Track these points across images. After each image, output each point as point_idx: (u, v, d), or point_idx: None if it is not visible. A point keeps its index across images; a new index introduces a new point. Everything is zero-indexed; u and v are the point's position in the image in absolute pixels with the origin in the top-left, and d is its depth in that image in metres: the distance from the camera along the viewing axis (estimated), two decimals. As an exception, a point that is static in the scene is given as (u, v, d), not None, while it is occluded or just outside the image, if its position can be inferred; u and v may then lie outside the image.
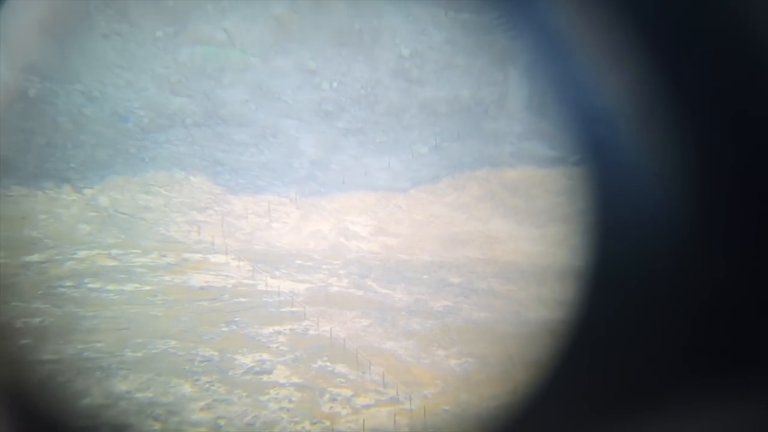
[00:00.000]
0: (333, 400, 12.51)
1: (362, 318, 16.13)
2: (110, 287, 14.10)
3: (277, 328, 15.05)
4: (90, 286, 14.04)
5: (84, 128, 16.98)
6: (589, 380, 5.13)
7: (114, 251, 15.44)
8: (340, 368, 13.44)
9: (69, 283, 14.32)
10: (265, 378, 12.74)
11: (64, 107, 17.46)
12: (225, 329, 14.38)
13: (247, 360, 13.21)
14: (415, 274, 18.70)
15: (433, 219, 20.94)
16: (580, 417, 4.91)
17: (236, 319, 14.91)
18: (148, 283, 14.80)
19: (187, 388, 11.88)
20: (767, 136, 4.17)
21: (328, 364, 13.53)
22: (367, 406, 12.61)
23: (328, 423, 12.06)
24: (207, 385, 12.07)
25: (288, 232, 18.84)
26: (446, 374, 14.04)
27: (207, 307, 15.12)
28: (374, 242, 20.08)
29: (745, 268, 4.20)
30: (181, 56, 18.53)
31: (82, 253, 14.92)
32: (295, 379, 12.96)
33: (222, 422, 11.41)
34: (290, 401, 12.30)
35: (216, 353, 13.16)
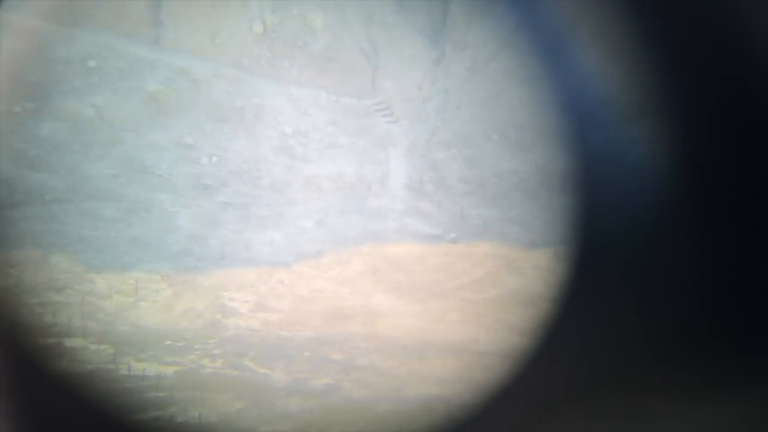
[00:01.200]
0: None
1: (236, 401, 15.37)
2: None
3: (139, 416, 13.97)
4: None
5: None
6: (584, 379, 4.95)
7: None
8: (205, 458, 12.65)
9: None
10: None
11: None
12: (78, 420, 13.12)
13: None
14: (295, 351, 18.25)
15: (316, 294, 20.79)
16: (576, 417, 4.67)
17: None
18: (-9, 372, 13.33)
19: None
20: (764, 135, 4.24)
21: (192, 454, 12.69)
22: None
23: None
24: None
25: (158, 310, 17.89)
26: (321, 459, 13.62)
27: (58, 396, 13.79)
28: (254, 319, 19.51)
29: (741, 266, 4.21)
30: (42, 131, 17.78)
31: None
32: (151, 474, 11.98)
33: None
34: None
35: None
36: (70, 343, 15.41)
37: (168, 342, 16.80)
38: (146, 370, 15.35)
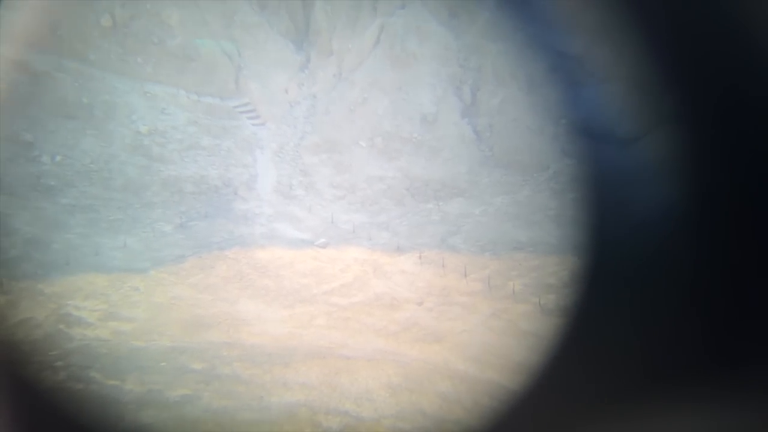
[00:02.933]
0: None
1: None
2: None
3: (-45, 438, 12.42)
4: None
5: None
6: (588, 381, 4.71)
7: None
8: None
9: None
10: None
11: None
12: None
13: None
14: (150, 362, 17.14)
15: (176, 301, 19.82)
16: (578, 418, 4.59)
17: None
18: None
19: None
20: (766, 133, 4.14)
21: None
22: None
23: None
24: None
25: (-13, 321, 16.17)
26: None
27: None
28: (103, 328, 18.16)
29: (744, 267, 4.09)
30: None
31: None
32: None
33: None
34: None
35: None
36: None
37: (-4, 355, 15.19)
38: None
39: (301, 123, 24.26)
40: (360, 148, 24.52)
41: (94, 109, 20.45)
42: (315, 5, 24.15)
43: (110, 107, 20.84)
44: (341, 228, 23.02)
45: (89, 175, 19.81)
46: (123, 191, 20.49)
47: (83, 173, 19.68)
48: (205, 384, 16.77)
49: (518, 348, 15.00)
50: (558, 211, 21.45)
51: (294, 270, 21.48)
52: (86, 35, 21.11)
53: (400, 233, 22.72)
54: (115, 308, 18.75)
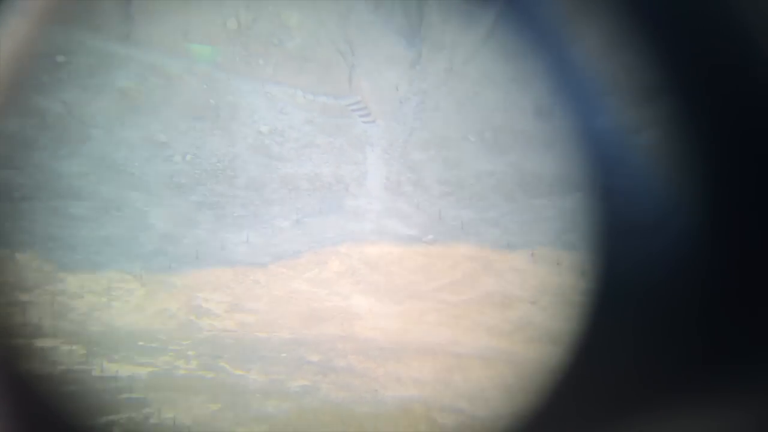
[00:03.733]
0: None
1: (211, 403, 15.04)
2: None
3: (112, 417, 13.58)
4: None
5: None
6: (590, 382, 4.88)
7: None
8: (181, 461, 12.33)
9: None
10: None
11: None
12: (48, 423, 12.67)
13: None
14: (272, 352, 17.99)
15: (294, 295, 20.56)
16: (581, 419, 4.70)
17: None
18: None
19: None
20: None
21: (168, 456, 12.35)
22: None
23: None
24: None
25: (130, 311, 17.45)
26: (298, 461, 13.40)
27: (27, 398, 13.31)
28: (229, 320, 19.18)
29: (750, 271, 4.11)
30: (9, 128, 17.22)
31: None
32: (126, 477, 11.64)
33: None
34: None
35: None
36: (40, 343, 14.93)
37: (141, 343, 16.37)
38: (119, 371, 14.93)
39: (411, 119, 24.32)
40: (469, 143, 24.25)
41: (220, 110, 21.53)
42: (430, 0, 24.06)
43: (234, 108, 21.84)
44: (449, 224, 22.93)
45: (216, 174, 20.88)
46: (245, 189, 21.44)
47: (210, 171, 20.77)
48: (322, 375, 17.38)
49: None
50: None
51: (403, 266, 21.68)
52: (214, 39, 22.18)
53: (510, 230, 22.28)
54: (239, 300, 19.76)
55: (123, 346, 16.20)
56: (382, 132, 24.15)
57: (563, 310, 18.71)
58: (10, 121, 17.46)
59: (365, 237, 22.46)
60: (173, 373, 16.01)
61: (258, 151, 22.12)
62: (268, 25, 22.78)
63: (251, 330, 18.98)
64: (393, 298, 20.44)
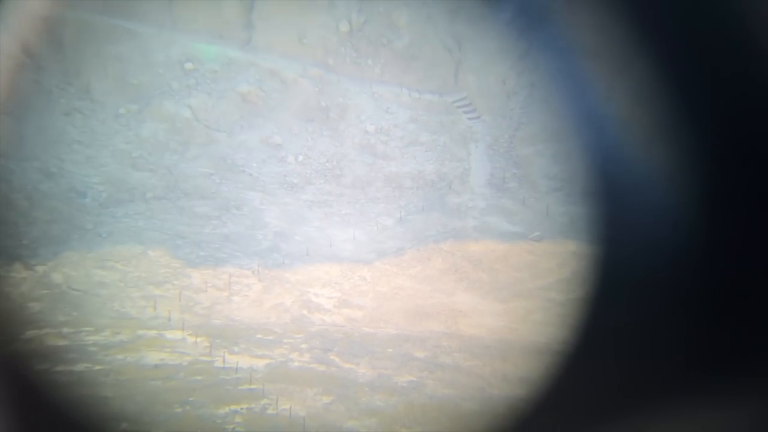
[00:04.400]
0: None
1: (323, 395, 15.63)
2: (58, 369, 13.40)
3: (233, 407, 14.45)
4: (35, 369, 13.32)
5: (38, 205, 16.60)
6: (592, 381, 5.11)
7: (65, 330, 14.77)
8: (299, 451, 12.92)
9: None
10: (218, 462, 12.12)
11: (19, 184, 17.10)
12: (179, 410, 13.71)
13: (201, 443, 12.60)
14: (379, 347, 18.38)
15: (398, 291, 20.86)
16: (582, 418, 4.80)
17: (191, 399, 14.24)
18: (100, 362, 14.10)
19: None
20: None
21: (287, 446, 12.99)
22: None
23: None
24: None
25: (249, 305, 18.46)
26: (409, 456, 13.63)
27: (161, 386, 14.42)
28: (338, 315, 19.80)
29: (748, 270, 4.28)
30: (144, 132, 18.62)
31: (29, 334, 14.26)
32: (250, 463, 12.37)
33: None
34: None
35: (168, 436, 12.53)
36: (169, 335, 16.13)
37: (259, 336, 17.28)
38: (239, 362, 15.83)
39: (517, 114, 23.74)
40: (581, 136, 23.34)
41: (330, 111, 22.12)
42: (541, -7, 23.21)
43: (343, 109, 22.35)
44: (558, 221, 22.22)
45: (325, 173, 21.51)
46: (352, 187, 21.92)
47: (320, 171, 21.43)
48: (428, 372, 17.51)
49: None
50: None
51: (508, 263, 21.32)
52: (327, 42, 22.76)
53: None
54: (347, 296, 20.34)
55: (242, 339, 17.22)
56: (488, 128, 23.78)
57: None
58: (145, 125, 19.01)
59: (468, 234, 22.29)
60: (288, 365, 16.79)
61: (364, 150, 22.53)
62: (378, 26, 22.99)
63: (359, 325, 19.51)
64: (498, 296, 20.19)
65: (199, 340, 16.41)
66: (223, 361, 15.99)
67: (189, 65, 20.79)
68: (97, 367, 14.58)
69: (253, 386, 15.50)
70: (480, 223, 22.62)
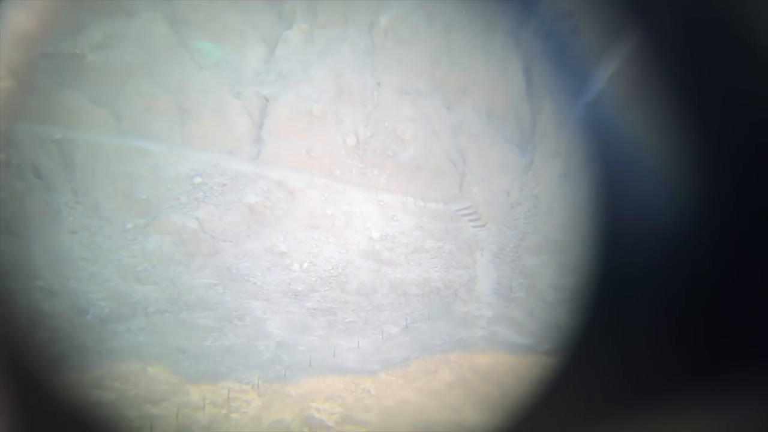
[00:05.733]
0: None
1: None
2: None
3: None
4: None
5: (39, 325, 16.36)
6: (592, 380, 4.80)
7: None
8: None
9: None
10: None
11: (21, 304, 16.93)
12: None
13: None
14: (383, 471, 17.43)
15: (404, 405, 20.04)
16: (582, 417, 4.70)
17: None
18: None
19: None
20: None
21: None
22: None
23: None
24: None
25: (247, 423, 17.67)
26: None
27: None
28: (340, 433, 18.90)
29: (747, 268, 4.18)
30: (150, 245, 18.72)
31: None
32: None
33: None
34: None
35: None
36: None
37: (257, 458, 16.43)
38: (235, 487, 14.95)
39: (522, 224, 23.90)
40: (587, 248, 23.29)
41: (335, 218, 22.33)
42: (544, 110, 24.19)
43: (349, 216, 22.58)
44: (569, 334, 21.72)
45: (329, 280, 21.33)
46: (357, 294, 21.66)
47: (325, 278, 21.26)
48: (435, 496, 16.40)
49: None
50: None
51: (518, 377, 20.60)
52: (334, 154, 23.42)
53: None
54: (350, 411, 19.47)
55: (240, 461, 16.33)
56: (493, 236, 23.86)
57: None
58: (151, 239, 19.11)
59: (476, 344, 21.73)
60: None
61: (369, 256, 22.49)
62: (384, 139, 23.75)
63: (362, 444, 18.56)
64: (508, 414, 19.36)
65: (193, 462, 15.60)
66: (218, 486, 15.14)
67: (198, 179, 21.24)
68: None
69: None
70: (488, 333, 22.13)
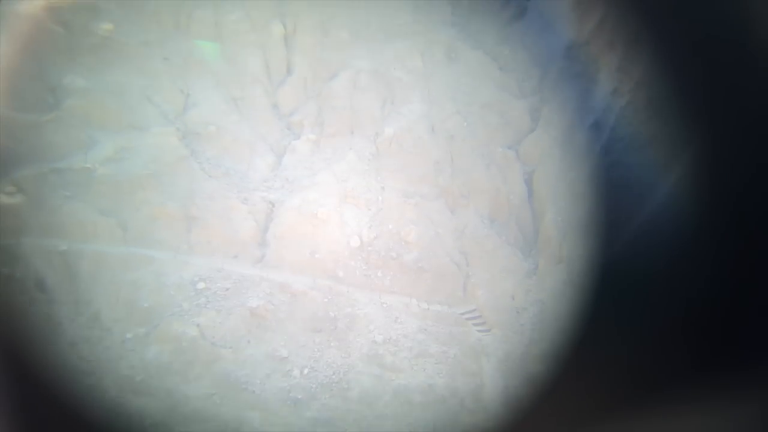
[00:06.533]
0: None
1: None
2: None
3: None
4: None
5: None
6: (592, 379, 5.32)
7: None
8: None
9: None
10: None
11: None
12: None
13: None
14: None
15: None
16: (583, 415, 4.95)
17: None
18: None
19: None
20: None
21: None
22: None
23: None
24: None
25: None
26: None
27: None
28: None
29: (747, 268, 4.17)
30: (149, 355, 18.39)
31: None
32: None
33: None
34: None
35: None
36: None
37: None
38: None
39: (529, 330, 23.38)
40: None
41: (338, 321, 21.94)
42: (545, 217, 24.39)
43: (352, 319, 22.19)
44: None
45: (330, 387, 20.66)
46: (358, 402, 20.90)
47: (326, 384, 20.60)
48: None
49: None
50: None
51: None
52: (338, 256, 23.40)
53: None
54: None
55: None
56: (499, 342, 23.29)
57: None
58: (150, 348, 18.79)
59: (483, 459, 20.69)
60: None
61: (372, 361, 21.88)
62: (388, 241, 23.81)
63: None
64: None
65: None
66: None
67: (201, 285, 21.16)
68: None
69: None
70: (496, 453, 21.10)
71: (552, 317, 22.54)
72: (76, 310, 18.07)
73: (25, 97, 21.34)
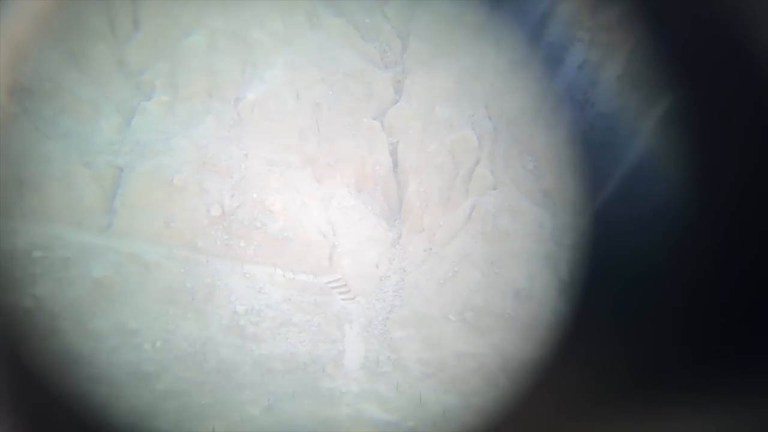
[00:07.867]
0: None
1: None
2: None
3: None
4: None
5: None
6: (592, 378, 5.17)
7: None
8: None
9: None
10: None
11: None
12: None
13: None
14: None
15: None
16: (583, 414, 5.05)
17: None
18: None
19: None
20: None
21: None
22: None
23: None
24: None
25: None
26: None
27: None
28: None
29: (748, 268, 4.13)
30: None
31: None
32: None
33: None
34: None
35: None
36: None
37: None
38: None
39: (390, 297, 24.08)
40: (450, 322, 23.79)
41: (195, 292, 21.31)
42: (408, 187, 24.90)
43: (211, 290, 21.65)
44: (431, 410, 21.79)
45: (185, 359, 20.14)
46: (216, 373, 20.59)
47: (180, 357, 20.06)
48: None
49: None
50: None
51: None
52: (197, 225, 22.55)
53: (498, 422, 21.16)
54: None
55: None
56: (362, 309, 23.80)
57: None
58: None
59: (341, 423, 21.23)
60: None
61: (232, 332, 21.57)
62: (251, 210, 23.30)
63: None
64: None
65: None
66: None
67: (38, 253, 19.59)
68: None
69: None
70: (353, 411, 21.69)
71: (412, 284, 23.40)
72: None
73: None
